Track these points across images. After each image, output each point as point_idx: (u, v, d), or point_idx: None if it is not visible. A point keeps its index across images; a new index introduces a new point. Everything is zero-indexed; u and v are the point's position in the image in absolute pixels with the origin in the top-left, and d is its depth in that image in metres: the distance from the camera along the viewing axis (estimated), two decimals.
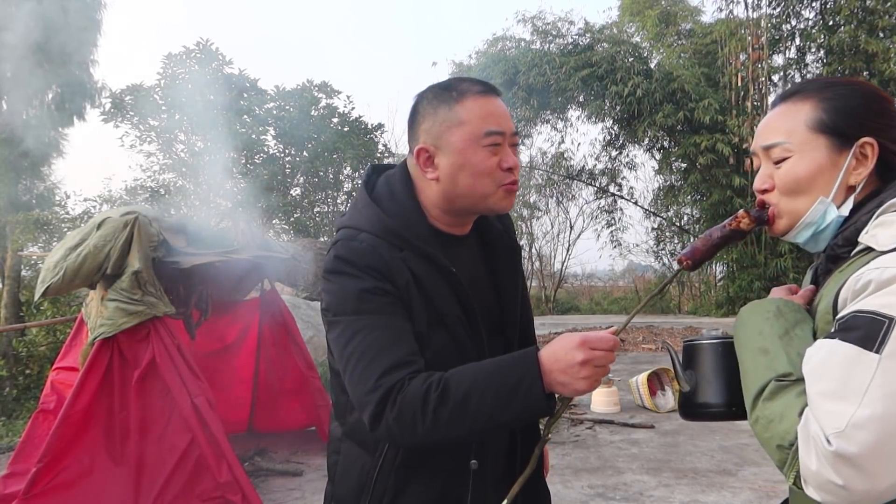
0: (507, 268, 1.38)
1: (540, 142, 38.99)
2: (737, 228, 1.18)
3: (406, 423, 1.09)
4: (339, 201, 15.92)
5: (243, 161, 12.77)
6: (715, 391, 1.16)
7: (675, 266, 1.25)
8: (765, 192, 1.11)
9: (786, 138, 1.06)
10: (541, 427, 1.38)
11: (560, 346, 1.09)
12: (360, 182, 1.36)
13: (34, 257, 8.74)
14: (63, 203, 10.24)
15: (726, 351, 1.17)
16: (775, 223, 1.10)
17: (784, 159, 1.07)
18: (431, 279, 1.21)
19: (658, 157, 18.11)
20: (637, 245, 20.99)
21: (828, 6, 15.61)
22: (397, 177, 1.30)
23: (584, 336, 1.08)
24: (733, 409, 1.15)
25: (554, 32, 16.89)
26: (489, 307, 1.31)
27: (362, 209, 1.26)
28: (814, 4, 15.97)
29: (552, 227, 21.55)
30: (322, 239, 13.87)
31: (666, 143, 17.39)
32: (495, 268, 1.37)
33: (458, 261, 1.26)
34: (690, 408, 1.20)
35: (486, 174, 1.22)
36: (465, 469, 1.23)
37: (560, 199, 20.79)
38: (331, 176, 15.20)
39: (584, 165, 19.43)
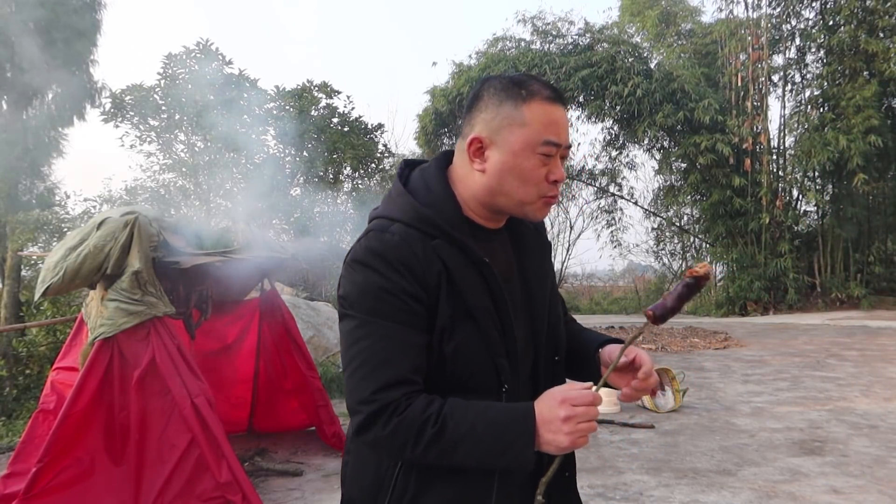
0: (537, 264, 1.36)
1: None
2: (691, 276, 1.22)
3: (396, 445, 1.13)
4: (339, 201, 15.90)
5: (243, 161, 12.76)
6: None
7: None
8: None
9: None
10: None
11: (545, 404, 1.12)
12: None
13: (34, 257, 8.73)
14: (63, 203, 10.27)
15: None
16: None
17: None
18: (463, 270, 1.19)
19: (658, 157, 18.13)
20: (637, 245, 21.03)
21: (828, 6, 15.61)
22: (432, 169, 1.29)
23: (564, 394, 1.11)
24: None
25: (554, 32, 16.92)
26: (519, 303, 1.29)
27: (396, 198, 1.26)
28: (814, 4, 15.98)
29: (552, 227, 21.54)
30: (322, 239, 13.86)
31: (666, 143, 17.40)
32: (525, 264, 1.34)
33: (490, 253, 1.25)
34: None
35: (532, 183, 1.21)
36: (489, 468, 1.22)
37: (560, 198, 20.74)
38: (331, 176, 15.19)
39: (584, 165, 19.46)
